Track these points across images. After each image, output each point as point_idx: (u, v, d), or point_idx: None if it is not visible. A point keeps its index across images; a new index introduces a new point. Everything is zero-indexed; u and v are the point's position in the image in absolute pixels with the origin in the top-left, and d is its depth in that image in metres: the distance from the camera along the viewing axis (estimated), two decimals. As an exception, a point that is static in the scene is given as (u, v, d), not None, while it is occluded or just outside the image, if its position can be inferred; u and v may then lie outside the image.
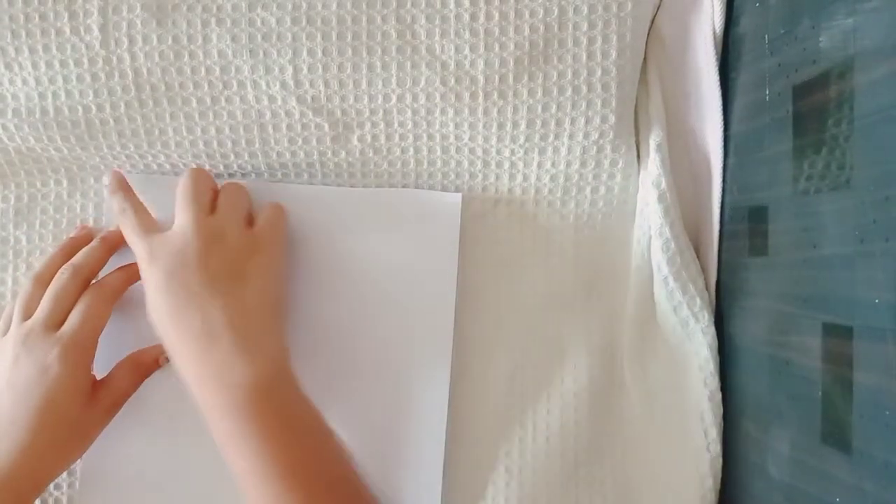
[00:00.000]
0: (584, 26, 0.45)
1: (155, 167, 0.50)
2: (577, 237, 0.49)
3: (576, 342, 0.49)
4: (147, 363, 0.49)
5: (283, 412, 0.42)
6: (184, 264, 0.43)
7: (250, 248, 0.45)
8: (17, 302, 0.47)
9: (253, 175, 0.51)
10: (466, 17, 0.45)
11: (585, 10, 0.44)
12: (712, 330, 0.45)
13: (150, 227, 0.46)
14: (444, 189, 0.50)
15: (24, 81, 0.47)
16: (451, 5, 0.45)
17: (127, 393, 0.48)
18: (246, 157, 0.49)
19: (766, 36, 0.40)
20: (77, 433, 0.46)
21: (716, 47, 0.45)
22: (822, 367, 0.34)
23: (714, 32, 0.45)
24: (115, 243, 0.49)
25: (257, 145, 0.49)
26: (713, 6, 0.44)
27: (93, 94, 0.47)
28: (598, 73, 0.45)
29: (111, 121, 0.48)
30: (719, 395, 0.44)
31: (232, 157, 0.49)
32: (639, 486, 0.49)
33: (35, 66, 0.46)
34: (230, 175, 0.50)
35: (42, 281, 0.47)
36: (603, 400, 0.49)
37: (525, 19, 0.45)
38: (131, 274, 0.48)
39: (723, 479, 0.44)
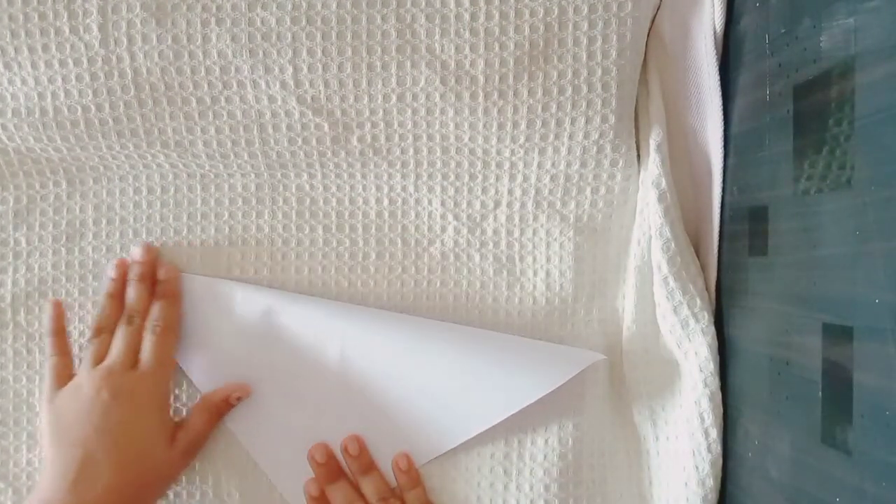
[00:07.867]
0: (584, 26, 0.45)
1: (154, 167, 0.50)
2: (577, 237, 0.49)
3: (576, 342, 0.49)
4: (219, 404, 0.49)
5: None
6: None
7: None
8: (88, 350, 0.48)
9: (252, 175, 0.50)
10: (466, 16, 0.45)
11: (585, 9, 0.44)
12: (712, 330, 0.45)
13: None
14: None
15: (24, 81, 0.47)
16: (451, 5, 0.45)
17: (203, 434, 0.49)
18: (245, 157, 0.49)
19: (767, 36, 0.40)
20: (160, 475, 0.47)
21: (716, 47, 0.45)
22: (822, 367, 0.34)
23: (714, 32, 0.45)
24: (151, 276, 0.50)
25: (257, 145, 0.49)
26: (713, 6, 0.44)
27: (92, 93, 0.47)
28: (598, 73, 0.45)
29: (110, 120, 0.48)
30: (719, 396, 0.44)
31: (231, 156, 0.49)
32: (640, 487, 0.49)
33: (34, 65, 0.46)
34: (229, 175, 0.51)
35: (105, 330, 0.48)
36: (603, 400, 0.49)
37: (525, 19, 0.45)
38: (175, 304, 0.49)
39: (723, 479, 0.44)
